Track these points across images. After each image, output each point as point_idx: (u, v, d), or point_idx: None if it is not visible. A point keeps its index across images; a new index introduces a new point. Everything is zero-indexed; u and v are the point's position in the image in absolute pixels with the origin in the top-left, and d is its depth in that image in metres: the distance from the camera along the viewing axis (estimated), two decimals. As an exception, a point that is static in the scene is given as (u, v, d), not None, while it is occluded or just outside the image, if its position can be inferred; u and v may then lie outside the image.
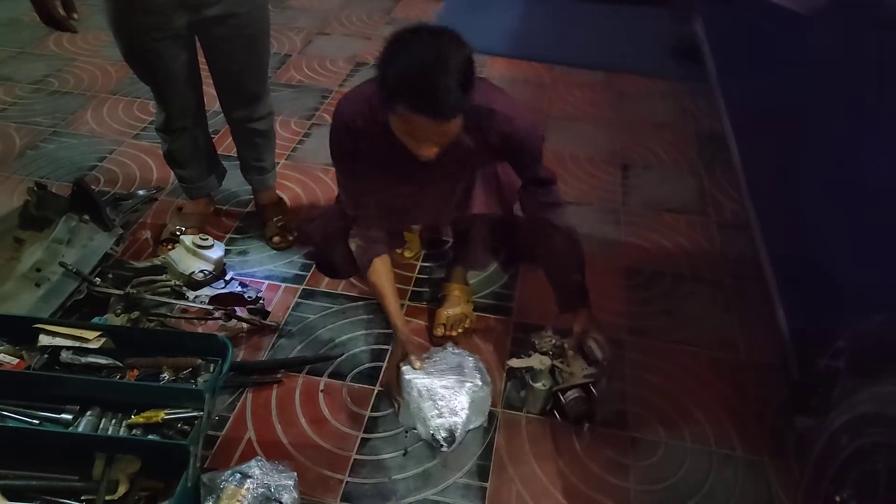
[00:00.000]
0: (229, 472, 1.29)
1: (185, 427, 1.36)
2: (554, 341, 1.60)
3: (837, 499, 1.15)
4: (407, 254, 2.01)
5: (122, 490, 1.29)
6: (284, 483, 1.29)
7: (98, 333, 1.45)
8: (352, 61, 3.07)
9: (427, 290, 1.91)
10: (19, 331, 1.46)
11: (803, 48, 1.71)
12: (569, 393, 1.51)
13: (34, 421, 1.35)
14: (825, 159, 1.49)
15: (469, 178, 1.64)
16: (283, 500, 1.27)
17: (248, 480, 1.27)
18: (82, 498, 1.28)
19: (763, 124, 1.98)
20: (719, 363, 1.74)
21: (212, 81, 1.82)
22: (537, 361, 1.52)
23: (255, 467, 1.30)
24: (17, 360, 1.42)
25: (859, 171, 1.32)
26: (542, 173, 1.56)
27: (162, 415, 1.35)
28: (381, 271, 1.62)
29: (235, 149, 2.02)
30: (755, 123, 2.05)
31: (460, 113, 1.26)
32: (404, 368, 1.50)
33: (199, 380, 1.44)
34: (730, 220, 2.23)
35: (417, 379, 1.47)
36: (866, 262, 1.23)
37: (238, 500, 1.24)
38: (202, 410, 1.35)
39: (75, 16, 1.54)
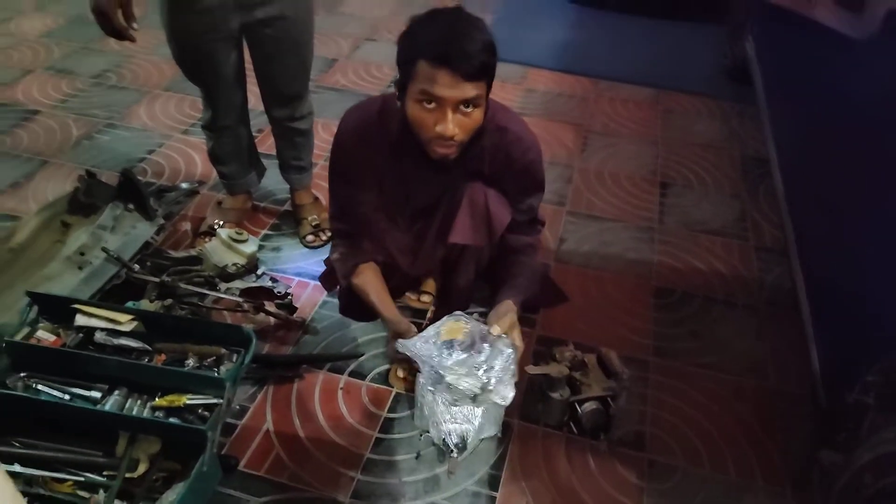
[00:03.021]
0: None
1: (206, 413, 1.39)
2: (575, 355, 1.59)
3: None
4: (424, 298, 1.76)
5: (142, 469, 1.33)
6: None
7: (131, 317, 1.51)
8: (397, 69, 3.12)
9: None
10: (59, 310, 1.53)
11: (855, 75, 1.66)
12: (586, 404, 1.50)
13: (65, 396, 1.41)
14: (866, 190, 1.44)
15: (452, 202, 1.47)
16: None
17: None
18: (104, 473, 1.33)
19: (808, 151, 1.93)
20: (746, 390, 1.70)
21: (256, 81, 1.88)
22: (555, 369, 1.50)
23: None
24: (55, 338, 1.49)
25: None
26: (538, 211, 1.48)
27: (184, 399, 1.40)
28: (369, 273, 1.50)
29: (276, 148, 2.08)
30: (800, 150, 1.99)
31: (483, 77, 1.25)
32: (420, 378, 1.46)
33: (222, 368, 1.48)
34: (769, 246, 2.17)
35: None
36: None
37: None
38: (222, 398, 1.38)
39: (135, 25, 1.60)
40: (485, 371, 1.25)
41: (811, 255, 1.68)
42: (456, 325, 1.35)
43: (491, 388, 1.25)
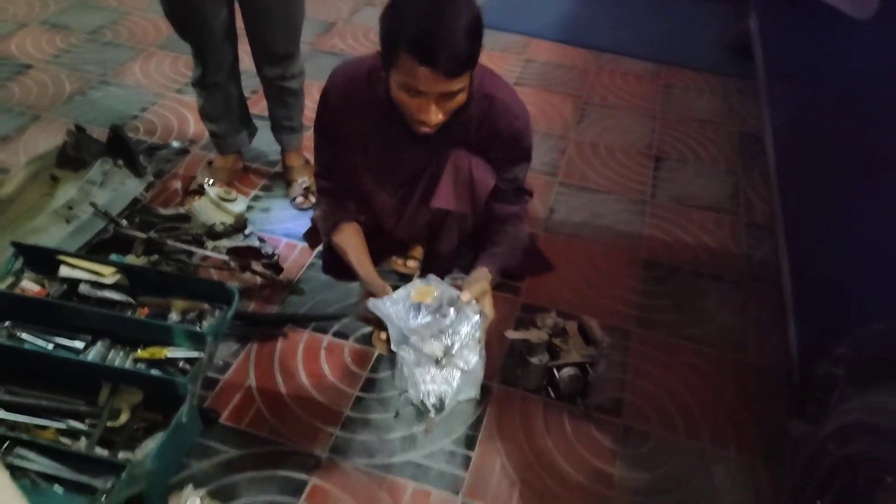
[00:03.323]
0: None
1: (187, 366, 1.41)
2: (556, 322, 1.60)
3: (818, 505, 1.13)
4: (411, 264, 1.79)
5: (123, 418, 1.36)
6: None
7: (114, 270, 1.52)
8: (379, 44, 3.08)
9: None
10: (44, 261, 1.54)
11: (852, 57, 1.64)
12: (564, 370, 1.52)
13: (49, 346, 1.43)
14: (853, 169, 1.43)
15: (436, 167, 1.45)
16: None
17: None
18: (86, 421, 1.36)
19: (801, 130, 1.92)
20: (726, 363, 1.71)
21: (247, 41, 1.86)
22: (534, 335, 1.52)
23: None
24: (39, 288, 1.50)
25: (885, 182, 1.27)
26: (524, 181, 1.47)
27: (166, 352, 1.42)
28: (350, 231, 1.49)
29: (268, 109, 2.07)
30: (794, 128, 1.98)
31: (466, 71, 1.21)
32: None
33: (205, 323, 1.50)
34: (760, 223, 2.17)
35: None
36: (873, 270, 1.19)
37: None
38: (203, 352, 1.40)
39: None
40: (449, 335, 1.26)
41: (795, 231, 1.68)
42: (426, 288, 1.34)
43: (454, 352, 1.25)
